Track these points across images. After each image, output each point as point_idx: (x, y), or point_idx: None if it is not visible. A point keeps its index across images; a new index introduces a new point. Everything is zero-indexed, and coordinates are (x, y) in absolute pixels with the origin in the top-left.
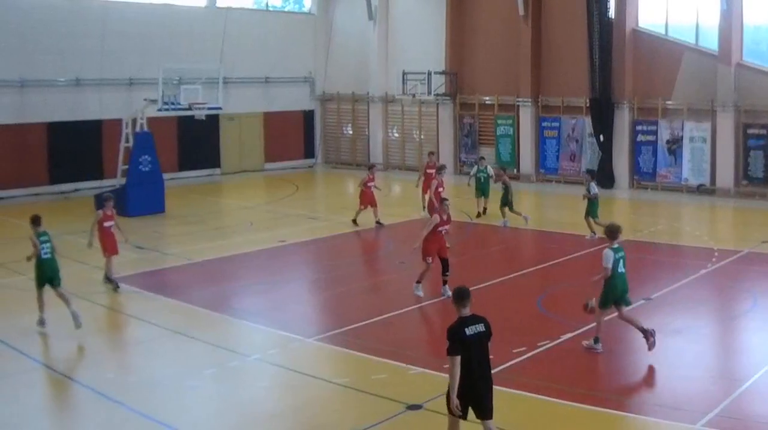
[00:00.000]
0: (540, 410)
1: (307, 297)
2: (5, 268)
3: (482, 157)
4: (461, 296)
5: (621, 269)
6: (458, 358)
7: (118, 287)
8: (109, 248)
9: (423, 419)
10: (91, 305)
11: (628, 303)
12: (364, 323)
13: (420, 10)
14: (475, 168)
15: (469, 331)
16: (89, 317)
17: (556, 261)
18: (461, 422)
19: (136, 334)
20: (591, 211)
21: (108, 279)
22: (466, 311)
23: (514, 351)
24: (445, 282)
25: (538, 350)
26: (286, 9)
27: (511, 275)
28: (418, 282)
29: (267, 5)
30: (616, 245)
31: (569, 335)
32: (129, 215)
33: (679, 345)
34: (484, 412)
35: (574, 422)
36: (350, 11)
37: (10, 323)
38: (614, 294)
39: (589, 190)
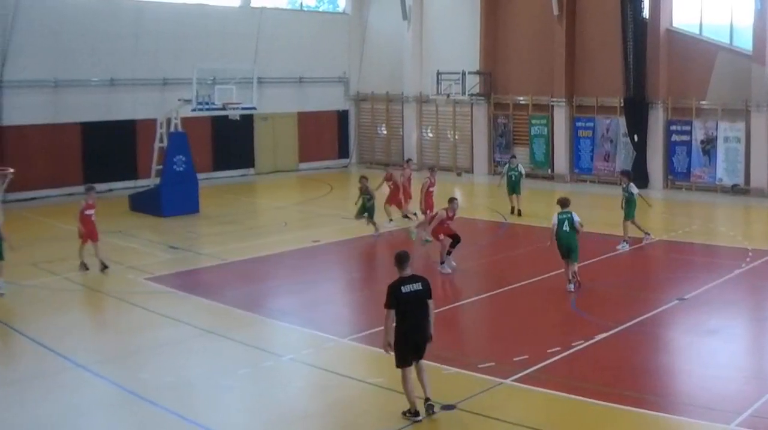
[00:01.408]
0: (574, 410)
1: (341, 297)
2: (39, 268)
3: (513, 156)
4: (400, 259)
5: (565, 228)
6: (392, 311)
7: (88, 269)
8: (90, 234)
9: (456, 419)
10: (126, 305)
11: (574, 259)
12: None
13: (454, 10)
14: (507, 166)
15: (405, 289)
16: (124, 318)
17: (591, 261)
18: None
19: (170, 334)
20: (628, 212)
21: (82, 263)
22: (405, 273)
23: (549, 351)
24: (449, 253)
25: (572, 350)
26: (320, 9)
27: (546, 275)
28: (442, 262)
29: (301, 5)
30: (563, 211)
31: (604, 334)
32: (163, 215)
33: (713, 345)
34: (419, 355)
35: (608, 423)
36: (384, 11)
37: (44, 323)
38: (561, 249)
39: (629, 191)
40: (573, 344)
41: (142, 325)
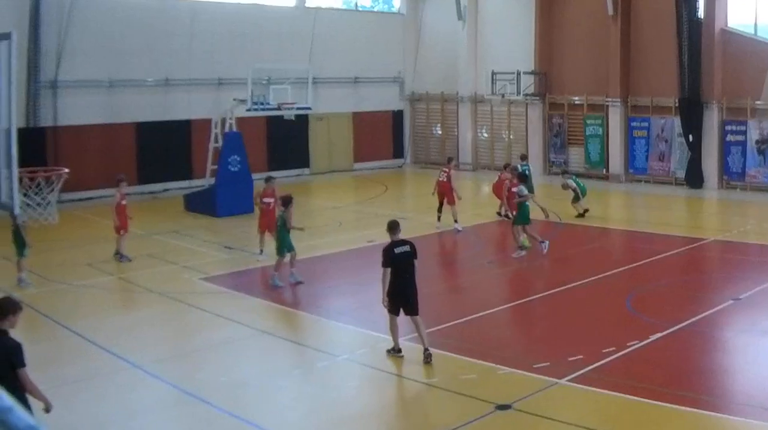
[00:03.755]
0: (629, 411)
1: None
2: (94, 268)
3: (565, 171)
4: (392, 226)
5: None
6: (388, 269)
7: (129, 260)
8: (125, 225)
9: (512, 419)
10: (181, 305)
11: (528, 222)
12: (452, 323)
13: (509, 10)
14: (570, 181)
15: (397, 250)
16: (178, 317)
17: (646, 261)
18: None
19: (225, 334)
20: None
21: (120, 255)
22: (396, 237)
23: (604, 351)
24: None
25: (627, 350)
26: (375, 9)
27: (600, 275)
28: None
29: (356, 5)
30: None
31: (659, 334)
32: (218, 216)
33: None
34: (412, 310)
35: (663, 423)
36: (439, 11)
37: (100, 323)
38: (523, 215)
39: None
40: (628, 344)
41: (197, 325)
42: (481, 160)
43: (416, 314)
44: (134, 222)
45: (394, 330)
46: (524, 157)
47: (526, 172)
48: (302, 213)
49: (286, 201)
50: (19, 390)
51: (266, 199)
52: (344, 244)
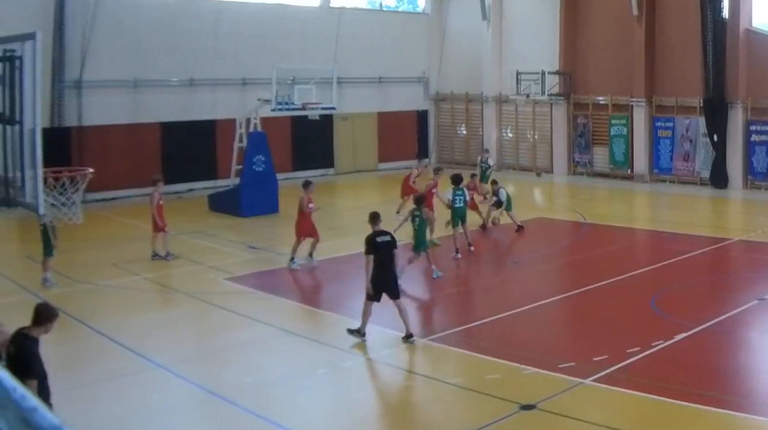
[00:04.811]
0: (655, 411)
1: (420, 297)
2: (118, 267)
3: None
4: (373, 217)
5: (459, 204)
6: (371, 256)
7: (175, 257)
8: (165, 225)
9: (536, 420)
10: (206, 305)
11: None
12: (477, 323)
13: (533, 10)
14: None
15: (379, 239)
16: (203, 317)
17: (670, 261)
18: (372, 305)
19: (250, 334)
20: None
21: (158, 255)
22: (377, 228)
23: (628, 351)
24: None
25: (652, 350)
26: (399, 9)
27: (625, 275)
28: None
29: (381, 5)
30: (458, 189)
31: (683, 334)
32: (242, 216)
33: None
34: (394, 294)
35: (689, 423)
36: (464, 11)
37: (124, 323)
38: (456, 218)
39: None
40: (652, 344)
41: (221, 325)
42: (506, 160)
43: (399, 298)
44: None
45: (366, 314)
46: (487, 151)
47: (486, 168)
48: (327, 213)
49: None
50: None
51: (310, 205)
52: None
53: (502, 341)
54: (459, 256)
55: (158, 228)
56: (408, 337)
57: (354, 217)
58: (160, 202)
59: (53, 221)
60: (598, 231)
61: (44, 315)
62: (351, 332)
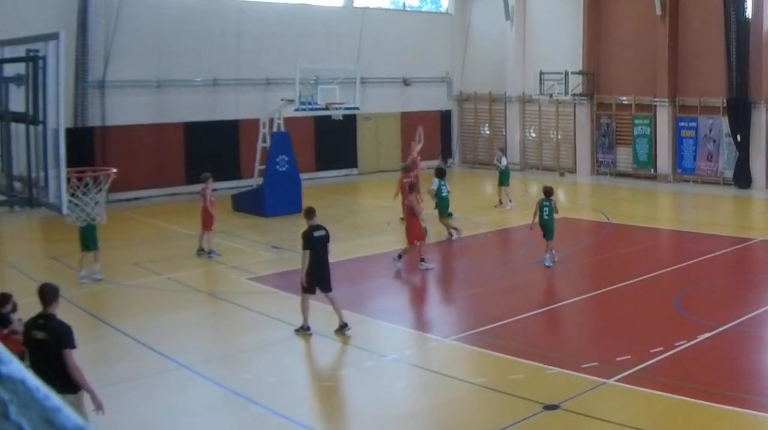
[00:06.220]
0: (678, 411)
1: (444, 297)
2: (142, 267)
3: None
4: (308, 213)
5: (444, 193)
6: (308, 251)
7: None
8: (212, 223)
9: (560, 420)
10: (229, 305)
11: (450, 215)
12: (501, 323)
13: (557, 10)
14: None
15: (316, 234)
16: (226, 317)
17: (694, 261)
18: (310, 298)
19: (272, 334)
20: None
21: (204, 251)
22: (313, 222)
23: (652, 351)
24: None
25: (675, 350)
26: (423, 9)
27: (649, 275)
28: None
29: (404, 5)
30: (441, 181)
31: (707, 334)
32: (266, 215)
33: None
34: (326, 287)
35: (712, 423)
36: (487, 11)
37: (147, 323)
38: (443, 208)
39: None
40: (676, 344)
41: (244, 325)
42: (529, 160)
43: (330, 290)
44: (185, 222)
45: (305, 309)
46: (501, 150)
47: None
48: (350, 213)
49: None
50: (65, 375)
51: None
52: (392, 244)
53: (526, 341)
54: (457, 236)
55: (209, 225)
56: (342, 328)
57: (378, 217)
58: (211, 200)
59: (94, 218)
60: (622, 231)
61: (54, 291)
62: (297, 331)
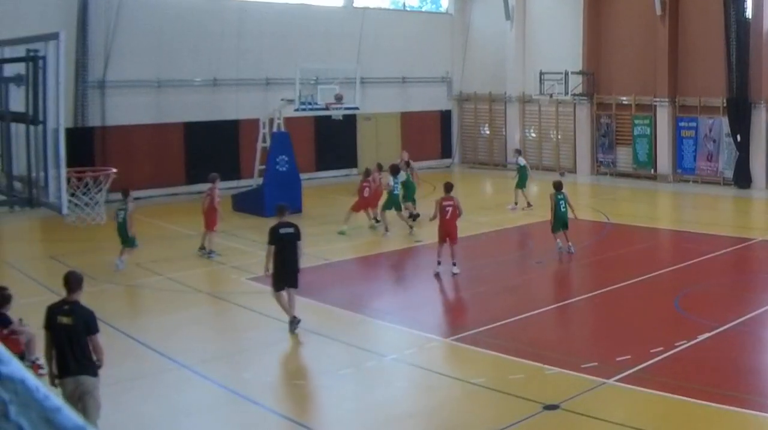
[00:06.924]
0: (678, 411)
1: (444, 297)
2: (142, 267)
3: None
4: (278, 209)
5: (396, 191)
6: (273, 247)
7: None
8: (216, 223)
9: (560, 420)
10: (229, 305)
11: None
12: (501, 323)
13: (557, 10)
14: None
15: (282, 231)
16: (226, 317)
17: (694, 261)
18: (284, 294)
19: (272, 334)
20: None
21: (205, 250)
22: (282, 219)
23: (652, 351)
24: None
25: (675, 350)
26: (423, 9)
27: (649, 275)
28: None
29: (404, 5)
30: (396, 179)
31: (707, 335)
32: (265, 215)
33: None
34: (293, 283)
35: (712, 423)
36: (487, 11)
37: (147, 322)
38: (396, 204)
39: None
40: (676, 344)
41: (244, 325)
42: (530, 160)
43: (295, 287)
44: (185, 222)
45: (282, 304)
46: (518, 152)
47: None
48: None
49: None
50: (87, 357)
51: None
52: (392, 244)
53: (526, 341)
54: (414, 221)
55: (213, 225)
56: (295, 323)
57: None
58: (218, 199)
59: (126, 215)
60: (622, 231)
61: (79, 280)
62: (291, 329)
